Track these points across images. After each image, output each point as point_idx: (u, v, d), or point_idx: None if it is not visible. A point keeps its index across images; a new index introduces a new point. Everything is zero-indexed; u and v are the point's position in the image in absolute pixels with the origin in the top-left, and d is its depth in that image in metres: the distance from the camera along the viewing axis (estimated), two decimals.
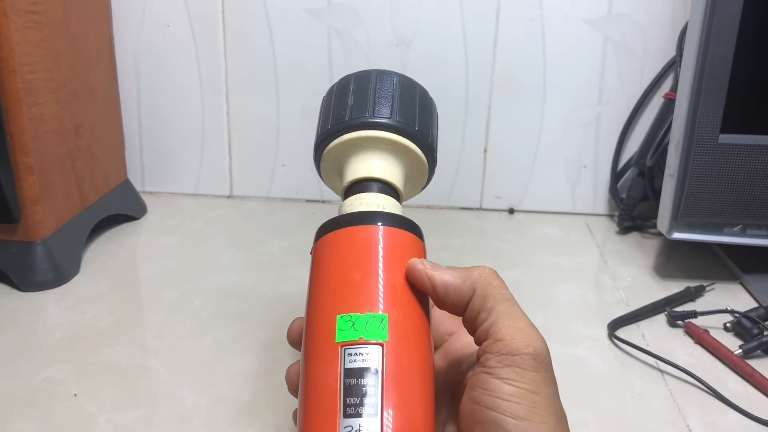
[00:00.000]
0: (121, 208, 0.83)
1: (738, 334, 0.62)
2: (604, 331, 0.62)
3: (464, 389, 0.32)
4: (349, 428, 0.27)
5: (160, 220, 0.85)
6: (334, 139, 0.38)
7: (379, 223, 0.34)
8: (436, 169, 0.42)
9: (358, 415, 0.28)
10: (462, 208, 0.91)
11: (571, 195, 0.90)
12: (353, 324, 0.30)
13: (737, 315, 0.62)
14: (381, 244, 0.33)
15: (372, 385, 0.28)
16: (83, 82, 0.74)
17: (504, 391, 0.29)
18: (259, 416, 0.50)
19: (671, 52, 0.82)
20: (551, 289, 0.70)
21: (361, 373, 0.28)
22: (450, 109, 0.86)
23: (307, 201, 0.92)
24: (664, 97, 0.82)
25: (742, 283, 0.72)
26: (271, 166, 0.91)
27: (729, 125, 0.63)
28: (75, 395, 0.52)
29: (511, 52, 0.84)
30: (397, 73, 0.41)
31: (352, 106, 0.38)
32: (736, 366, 0.57)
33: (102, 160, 0.79)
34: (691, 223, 0.69)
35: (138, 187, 0.90)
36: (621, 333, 0.62)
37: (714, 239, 0.69)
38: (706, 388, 0.55)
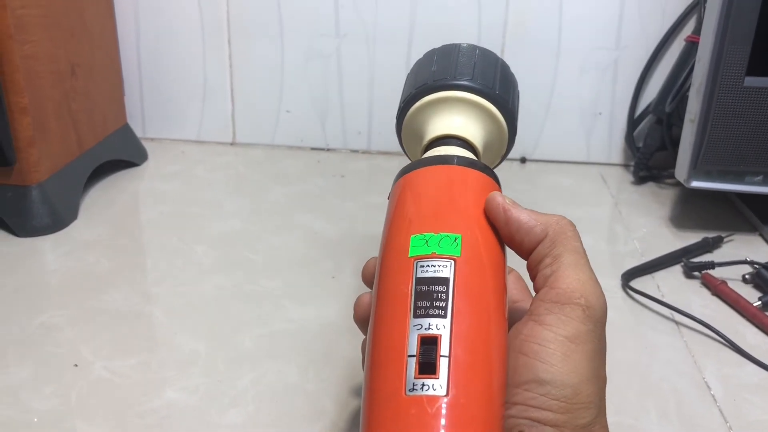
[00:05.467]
0: (121, 154, 0.80)
1: (757, 286, 0.60)
2: (618, 282, 0.60)
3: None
4: (419, 326, 0.28)
5: (161, 167, 0.83)
6: (416, 101, 0.40)
7: (456, 163, 0.35)
8: None
9: (428, 315, 0.28)
10: None
11: (585, 144, 0.87)
12: (426, 242, 0.31)
13: (757, 266, 0.60)
14: (457, 179, 0.34)
15: (443, 291, 0.29)
16: (78, 21, 0.71)
17: (542, 336, 0.28)
18: (259, 363, 0.49)
19: None
20: None
21: (432, 281, 0.29)
22: None
23: (312, 149, 0.89)
24: (686, 40, 0.78)
25: (761, 235, 0.69)
26: (275, 112, 0.88)
27: (756, 67, 0.60)
28: (75, 365, 0.50)
29: None
30: (478, 46, 0.42)
31: (435, 71, 0.40)
32: (755, 318, 0.55)
33: (100, 103, 0.77)
34: (710, 172, 0.66)
35: (138, 134, 0.87)
36: (635, 284, 0.60)
37: (734, 188, 0.66)
38: (723, 340, 0.53)
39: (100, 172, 0.77)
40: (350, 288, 0.58)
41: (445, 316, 0.28)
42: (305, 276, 0.60)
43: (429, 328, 0.28)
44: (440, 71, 0.40)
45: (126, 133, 0.83)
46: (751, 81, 0.60)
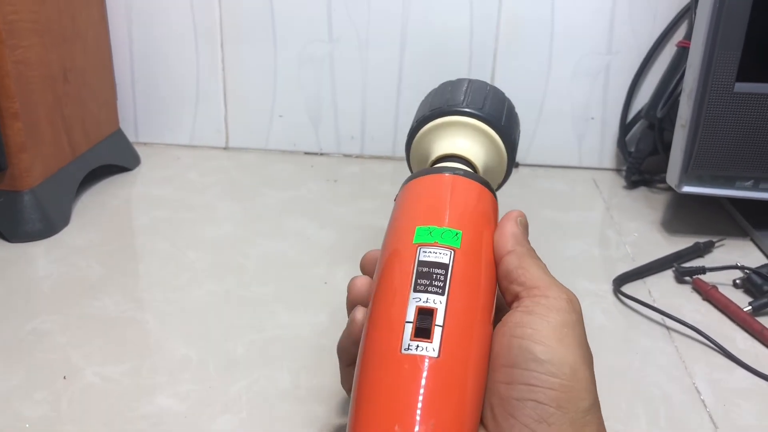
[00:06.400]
0: (113, 159, 0.80)
1: (748, 291, 0.60)
2: (610, 287, 0.60)
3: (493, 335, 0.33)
4: (418, 299, 0.31)
5: (154, 171, 0.83)
6: (428, 123, 0.44)
7: (460, 174, 0.38)
8: None
9: (427, 291, 0.31)
10: None
11: (577, 148, 0.87)
12: (430, 233, 0.34)
13: (747, 271, 0.60)
14: (460, 187, 0.37)
15: (442, 274, 0.32)
16: (71, 25, 0.71)
17: (536, 323, 0.30)
18: (251, 369, 0.49)
19: None
20: (556, 244, 0.68)
21: (433, 264, 0.32)
22: (454, 58, 0.82)
23: (305, 153, 0.89)
24: (677, 45, 0.79)
25: (752, 240, 0.70)
26: (268, 117, 0.88)
27: (745, 73, 0.60)
28: (64, 377, 0.50)
29: None
30: (489, 84, 0.47)
31: (449, 99, 0.44)
32: (745, 323, 0.55)
33: (92, 108, 0.76)
34: (702, 177, 0.66)
35: (131, 138, 0.87)
36: (627, 289, 0.60)
37: (725, 193, 0.67)
38: (713, 346, 0.53)
39: (93, 177, 0.77)
40: (343, 293, 0.58)
41: (442, 294, 0.31)
42: (297, 281, 0.60)
43: (427, 302, 0.31)
44: (453, 99, 0.44)
45: (118, 138, 0.83)
46: (741, 87, 0.61)
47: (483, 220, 0.36)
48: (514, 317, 0.31)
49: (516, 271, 0.33)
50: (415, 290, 0.31)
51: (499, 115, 0.44)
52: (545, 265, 0.34)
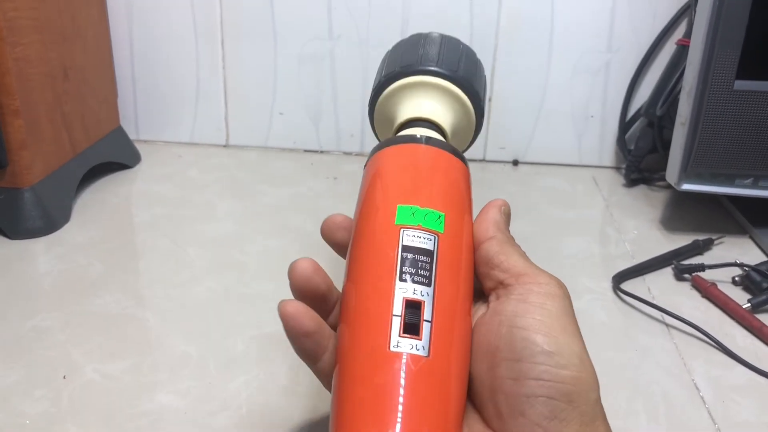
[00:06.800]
0: (114, 156, 0.80)
1: (747, 288, 0.60)
2: (609, 284, 0.60)
3: (480, 322, 0.32)
4: (404, 290, 0.29)
5: (154, 169, 0.83)
6: (385, 88, 0.41)
7: (427, 143, 0.36)
8: None
9: (414, 281, 0.29)
10: None
11: (577, 146, 0.87)
12: (413, 213, 0.32)
13: (746, 268, 0.60)
14: (430, 160, 0.35)
15: (427, 262, 0.30)
16: (71, 23, 0.71)
17: (536, 312, 0.29)
18: (251, 365, 0.49)
19: None
20: (555, 242, 0.68)
21: (417, 250, 0.30)
22: None
23: (305, 151, 0.89)
24: (677, 43, 0.79)
25: (752, 237, 0.70)
26: (268, 114, 0.88)
27: (745, 71, 0.61)
28: (64, 377, 0.50)
29: None
30: (444, 34, 0.44)
31: (402, 59, 0.42)
32: (744, 320, 0.55)
33: (93, 106, 0.76)
34: (701, 175, 0.66)
35: (132, 136, 0.87)
36: (626, 286, 0.60)
37: (725, 191, 0.67)
38: (712, 343, 0.53)
39: (93, 174, 0.77)
40: None
41: (429, 285, 0.30)
42: None
43: (414, 293, 0.29)
44: (407, 59, 0.41)
45: (119, 136, 0.83)
46: (740, 84, 0.61)
47: (464, 201, 0.35)
48: (508, 306, 0.30)
49: (497, 257, 0.32)
50: (401, 279, 0.29)
51: (456, 67, 0.41)
52: (525, 253, 0.33)
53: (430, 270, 0.30)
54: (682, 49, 0.77)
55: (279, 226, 0.69)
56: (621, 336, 0.54)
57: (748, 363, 0.51)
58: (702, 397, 0.48)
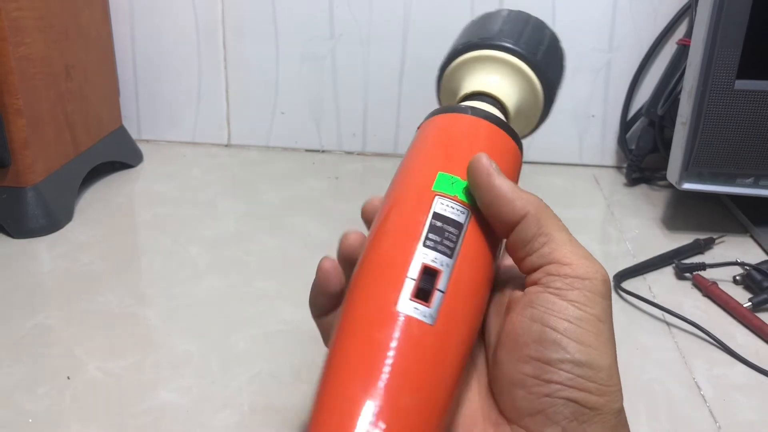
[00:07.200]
0: (116, 155, 0.81)
1: (747, 287, 0.60)
2: (610, 283, 0.60)
3: (513, 306, 0.30)
4: (425, 255, 0.29)
5: (156, 168, 0.83)
6: (458, 57, 0.40)
7: (497, 123, 0.35)
8: None
9: (436, 249, 0.29)
10: None
11: (578, 145, 0.87)
12: (453, 183, 0.31)
13: (747, 267, 0.60)
14: (494, 142, 0.34)
15: (454, 234, 0.30)
16: (73, 22, 0.71)
17: (571, 314, 0.27)
18: (253, 364, 0.49)
19: None
20: None
21: (447, 220, 0.30)
22: None
23: (307, 150, 0.89)
24: (678, 43, 0.79)
25: (752, 236, 0.70)
26: (269, 114, 0.88)
27: (745, 71, 0.61)
28: (68, 378, 0.50)
29: None
30: (533, 15, 0.43)
31: (482, 30, 0.41)
32: (745, 319, 0.55)
33: (95, 105, 0.77)
34: (702, 174, 0.67)
35: (134, 135, 0.87)
36: (627, 285, 0.60)
37: (725, 190, 0.67)
38: (713, 341, 0.53)
39: (96, 173, 0.77)
40: None
41: (451, 257, 0.29)
42: (299, 277, 0.60)
43: (434, 261, 0.29)
44: (486, 31, 0.40)
45: (121, 135, 0.83)
46: (741, 84, 0.61)
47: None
48: (543, 299, 0.28)
49: (537, 240, 0.29)
50: (425, 245, 0.29)
51: (534, 49, 0.39)
52: (565, 227, 0.30)
53: (456, 243, 0.29)
54: (683, 48, 0.77)
55: (280, 225, 0.70)
56: (622, 335, 0.54)
57: (749, 362, 0.51)
58: (703, 396, 0.48)
